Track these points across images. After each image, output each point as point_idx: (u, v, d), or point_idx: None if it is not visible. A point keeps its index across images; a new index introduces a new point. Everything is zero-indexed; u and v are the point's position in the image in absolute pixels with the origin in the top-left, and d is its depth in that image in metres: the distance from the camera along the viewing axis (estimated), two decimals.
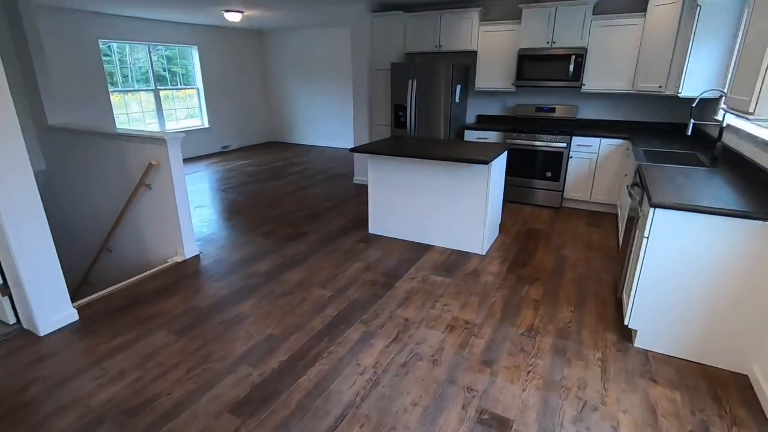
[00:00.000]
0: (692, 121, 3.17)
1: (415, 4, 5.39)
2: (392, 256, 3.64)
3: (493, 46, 5.03)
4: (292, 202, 5.18)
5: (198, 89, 7.98)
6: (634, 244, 2.54)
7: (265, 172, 6.83)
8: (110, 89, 6.57)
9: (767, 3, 2.01)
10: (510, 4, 5.11)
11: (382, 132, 5.74)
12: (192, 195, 5.51)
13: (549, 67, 4.70)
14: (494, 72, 5.11)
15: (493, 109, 5.57)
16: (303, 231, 4.23)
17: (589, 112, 5.06)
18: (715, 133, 3.67)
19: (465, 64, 5.37)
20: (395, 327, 2.62)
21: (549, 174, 4.82)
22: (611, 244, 3.90)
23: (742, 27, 3.34)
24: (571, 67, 4.56)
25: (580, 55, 4.51)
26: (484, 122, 5.52)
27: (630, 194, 2.74)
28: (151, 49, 7.09)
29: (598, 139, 4.52)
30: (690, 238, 2.12)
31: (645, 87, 4.30)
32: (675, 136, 4.34)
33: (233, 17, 5.99)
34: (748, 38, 2.12)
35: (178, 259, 3.55)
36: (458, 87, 5.12)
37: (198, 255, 3.67)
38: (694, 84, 3.70)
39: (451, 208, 3.68)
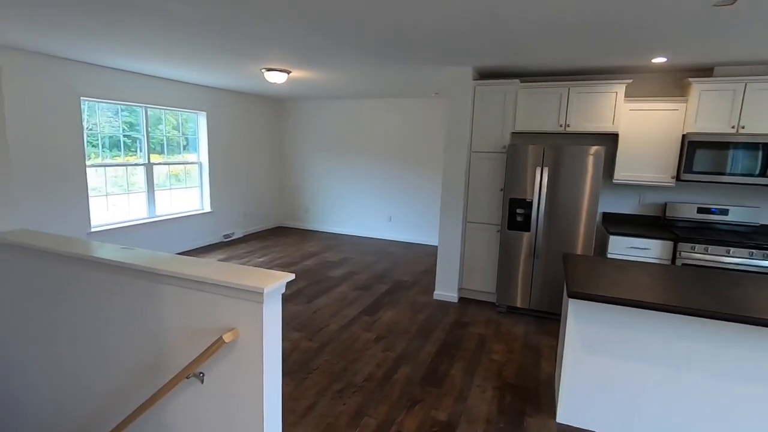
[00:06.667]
0: None
1: (533, 73, 4.22)
2: None
3: (642, 128, 3.84)
4: (373, 342, 3.41)
5: (201, 164, 6.26)
6: None
7: (299, 277, 5.03)
8: (87, 162, 4.75)
9: None
10: (667, 78, 4.03)
11: (480, 233, 4.25)
12: None
13: (731, 159, 3.53)
14: (644, 161, 3.88)
15: (627, 205, 4.29)
16: (441, 419, 2.47)
17: None
18: None
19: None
20: None
21: None
22: None
23: None
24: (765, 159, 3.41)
25: None
26: (618, 223, 4.18)
27: None
28: (148, 113, 5.42)
29: None
30: None
31: None
32: None
33: (276, 78, 4.54)
34: None
35: None
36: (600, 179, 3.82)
37: None
38: None
39: (750, 395, 2.12)
